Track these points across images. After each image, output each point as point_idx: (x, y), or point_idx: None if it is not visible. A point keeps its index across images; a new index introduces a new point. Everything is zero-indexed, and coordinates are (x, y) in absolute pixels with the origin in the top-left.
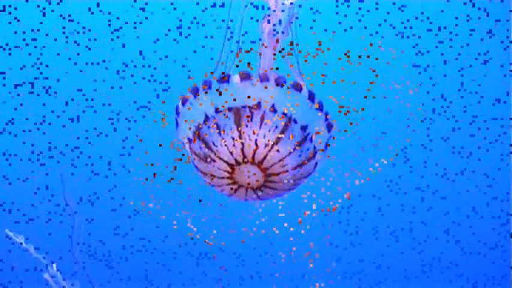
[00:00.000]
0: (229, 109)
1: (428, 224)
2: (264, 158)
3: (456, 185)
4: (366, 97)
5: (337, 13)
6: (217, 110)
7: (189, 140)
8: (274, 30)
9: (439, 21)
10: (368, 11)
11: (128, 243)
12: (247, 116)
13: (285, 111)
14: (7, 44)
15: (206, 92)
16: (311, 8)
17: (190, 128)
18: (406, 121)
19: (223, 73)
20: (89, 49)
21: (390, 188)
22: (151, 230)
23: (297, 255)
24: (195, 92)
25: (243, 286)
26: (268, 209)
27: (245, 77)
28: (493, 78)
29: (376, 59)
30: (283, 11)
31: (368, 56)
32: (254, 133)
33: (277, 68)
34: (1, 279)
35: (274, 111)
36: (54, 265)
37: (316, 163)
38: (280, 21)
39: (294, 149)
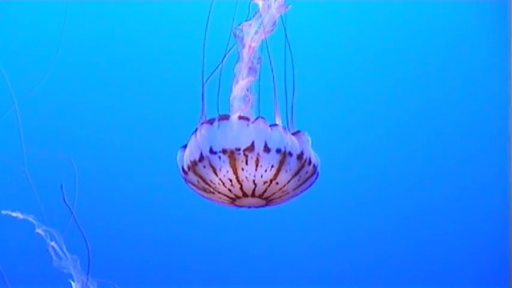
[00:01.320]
0: (224, 151)
1: (426, 224)
2: (264, 191)
3: (454, 186)
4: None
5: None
6: (211, 151)
7: (184, 172)
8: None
9: (436, 21)
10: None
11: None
12: (242, 161)
13: (279, 148)
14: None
15: (206, 128)
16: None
17: (187, 162)
18: (404, 122)
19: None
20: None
21: (388, 189)
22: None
23: (296, 256)
24: (200, 126)
25: (241, 286)
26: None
27: (243, 118)
28: (493, 78)
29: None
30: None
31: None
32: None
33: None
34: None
35: (268, 150)
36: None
37: (317, 174)
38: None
39: (292, 177)
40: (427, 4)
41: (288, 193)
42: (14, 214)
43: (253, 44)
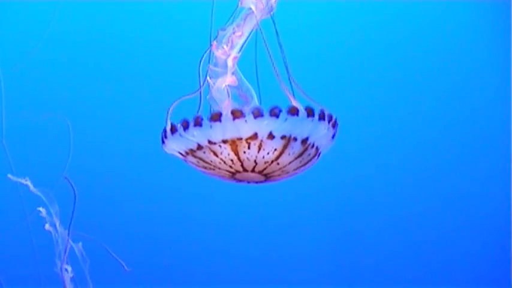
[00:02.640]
0: (224, 141)
1: (427, 224)
2: (264, 169)
3: (455, 186)
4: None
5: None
6: (210, 142)
7: (182, 155)
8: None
9: (436, 21)
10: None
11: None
12: (244, 146)
13: (284, 135)
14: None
15: (196, 127)
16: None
17: (180, 150)
18: (404, 122)
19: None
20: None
21: (389, 188)
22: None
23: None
24: (186, 125)
25: (240, 285)
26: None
27: (239, 115)
28: (494, 77)
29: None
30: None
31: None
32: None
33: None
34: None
35: (272, 137)
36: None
37: (319, 155)
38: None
39: (294, 159)
40: (427, 4)
41: (288, 172)
42: (24, 181)
43: (237, 54)
